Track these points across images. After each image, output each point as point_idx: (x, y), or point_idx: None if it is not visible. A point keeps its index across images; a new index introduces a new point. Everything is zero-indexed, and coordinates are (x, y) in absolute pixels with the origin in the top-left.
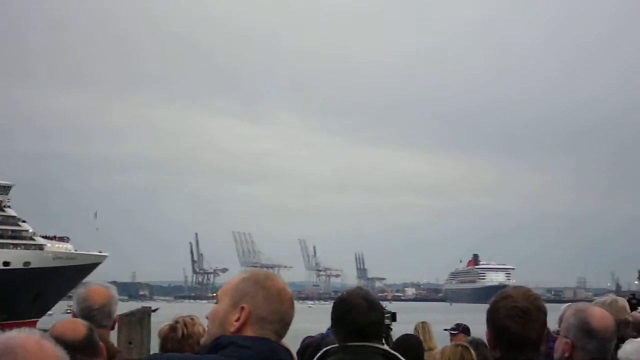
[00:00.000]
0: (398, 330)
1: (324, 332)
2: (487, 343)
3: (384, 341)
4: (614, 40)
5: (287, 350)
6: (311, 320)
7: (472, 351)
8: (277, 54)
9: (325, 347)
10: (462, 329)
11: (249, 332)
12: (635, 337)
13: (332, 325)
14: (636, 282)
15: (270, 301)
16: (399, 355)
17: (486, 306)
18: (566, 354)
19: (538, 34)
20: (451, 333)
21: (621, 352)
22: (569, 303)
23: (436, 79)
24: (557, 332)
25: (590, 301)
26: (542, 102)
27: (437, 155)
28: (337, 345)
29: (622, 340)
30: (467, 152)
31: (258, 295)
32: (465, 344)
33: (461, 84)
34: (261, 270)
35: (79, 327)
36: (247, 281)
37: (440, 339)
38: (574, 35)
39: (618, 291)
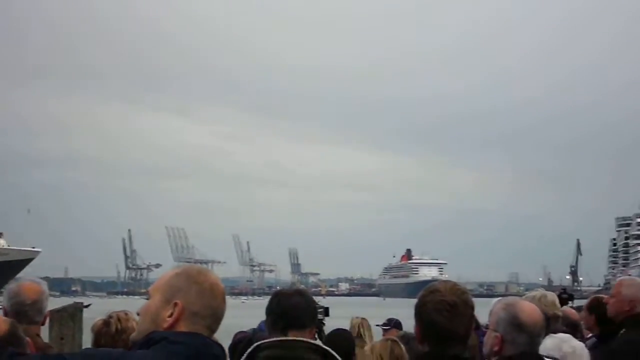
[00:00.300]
0: (331, 325)
1: (256, 327)
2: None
3: (316, 336)
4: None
5: (220, 346)
6: (244, 316)
7: (402, 345)
8: (213, 50)
9: (257, 342)
10: (394, 324)
11: (181, 327)
12: (564, 332)
13: (268, 319)
14: (567, 277)
15: (203, 296)
16: (331, 351)
17: None
18: (495, 348)
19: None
20: (383, 328)
21: (541, 347)
22: (499, 297)
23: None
24: (487, 327)
25: (521, 296)
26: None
27: (373, 152)
28: (269, 340)
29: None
30: (401, 148)
31: (191, 291)
32: (395, 338)
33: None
34: (194, 265)
35: (1, 324)
36: (180, 276)
37: (376, 336)
38: (511, 44)
39: (550, 286)
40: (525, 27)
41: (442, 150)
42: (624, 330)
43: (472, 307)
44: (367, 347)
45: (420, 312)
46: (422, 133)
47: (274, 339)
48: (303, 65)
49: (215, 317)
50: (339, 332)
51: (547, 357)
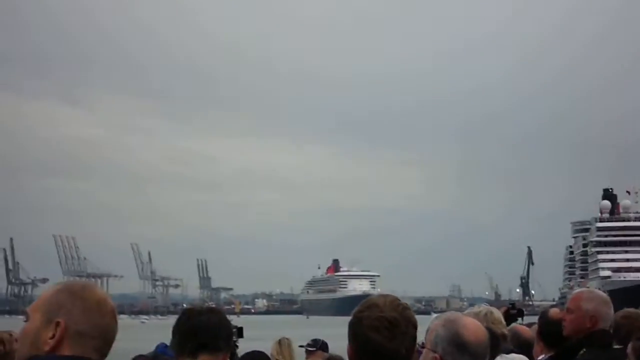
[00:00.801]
0: (245, 348)
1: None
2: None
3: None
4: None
5: None
6: (144, 339)
7: None
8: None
9: None
10: (320, 346)
11: (66, 350)
12: (512, 352)
13: (175, 339)
14: (517, 290)
15: (89, 314)
16: None
17: (348, 318)
18: None
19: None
20: (307, 350)
21: None
22: (437, 314)
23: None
24: (423, 345)
25: (463, 311)
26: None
27: (295, 147)
28: None
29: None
30: (330, 144)
31: (75, 308)
32: None
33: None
34: (77, 280)
35: None
36: (62, 293)
37: (299, 356)
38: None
39: (497, 300)
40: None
41: (378, 146)
42: (584, 350)
43: (414, 326)
44: None
45: (355, 330)
46: (357, 127)
47: None
48: (218, 48)
49: (105, 338)
50: (254, 355)
51: None
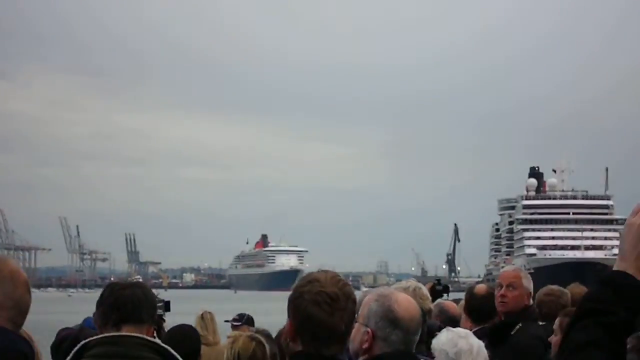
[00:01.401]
0: (173, 321)
1: (82, 323)
2: (279, 335)
3: (155, 334)
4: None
5: (26, 342)
6: (71, 311)
7: (267, 345)
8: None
9: (84, 339)
10: (245, 320)
11: None
12: (440, 327)
13: (98, 311)
14: (444, 267)
15: (3, 285)
16: (170, 349)
17: (275, 293)
18: (365, 345)
19: None
20: (233, 324)
21: (435, 342)
22: (365, 289)
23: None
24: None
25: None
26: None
27: (226, 123)
28: (98, 336)
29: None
30: (260, 121)
31: None
32: (260, 337)
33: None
34: None
35: None
36: None
37: (223, 332)
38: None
39: (424, 276)
40: None
41: (312, 125)
42: (520, 325)
43: (354, 301)
44: (227, 341)
45: (295, 305)
46: (291, 106)
47: (105, 334)
48: (149, 26)
49: (19, 308)
50: (181, 329)
51: (424, 357)
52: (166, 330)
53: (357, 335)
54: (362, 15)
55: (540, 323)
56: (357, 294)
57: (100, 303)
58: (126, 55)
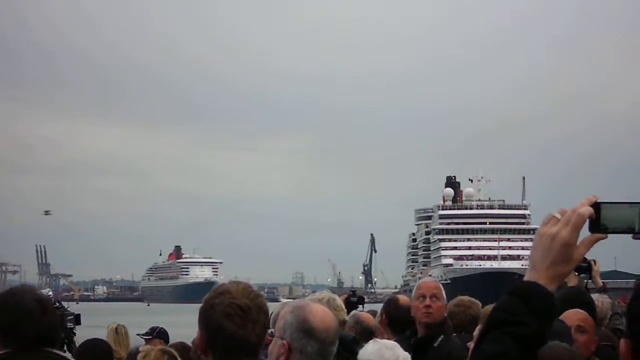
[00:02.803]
0: (83, 335)
1: None
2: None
3: (65, 348)
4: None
5: None
6: None
7: (179, 359)
8: None
9: None
10: (157, 333)
11: None
12: (354, 339)
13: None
14: (360, 278)
15: None
16: None
17: (189, 306)
18: (281, 358)
19: None
20: (144, 338)
21: (362, 353)
22: (285, 300)
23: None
24: (271, 334)
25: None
26: None
27: (138, 130)
28: (2, 352)
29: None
30: (172, 129)
31: None
32: (172, 350)
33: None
34: None
35: None
36: None
37: (137, 345)
38: None
39: (340, 288)
40: None
41: (223, 130)
42: (442, 337)
43: (266, 313)
44: (139, 356)
45: (206, 317)
46: (203, 113)
47: (7, 350)
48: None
49: None
50: (94, 342)
51: None
52: (77, 344)
53: (274, 348)
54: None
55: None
56: (275, 306)
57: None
58: (42, 62)
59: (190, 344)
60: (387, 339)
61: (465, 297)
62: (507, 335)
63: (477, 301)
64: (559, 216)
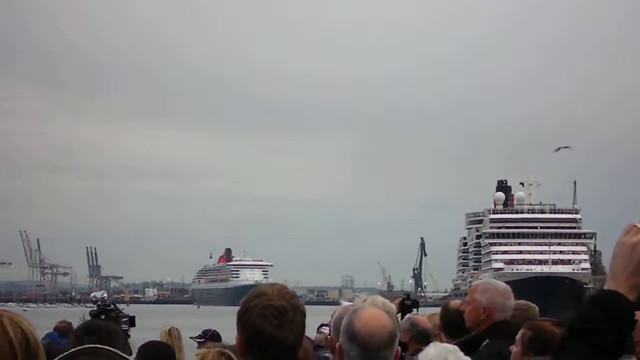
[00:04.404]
0: (137, 337)
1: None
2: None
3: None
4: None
5: None
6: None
7: None
8: None
9: (53, 353)
10: (209, 336)
11: None
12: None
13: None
14: (410, 282)
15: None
16: None
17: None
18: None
19: None
20: (197, 341)
21: (423, 356)
22: (346, 303)
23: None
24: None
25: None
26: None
27: (186, 134)
28: (79, 347)
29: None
30: (220, 130)
31: None
32: (229, 352)
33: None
34: None
35: None
36: None
37: (189, 348)
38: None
39: (390, 291)
40: None
41: (269, 135)
42: (487, 341)
43: (303, 314)
44: (196, 358)
45: (243, 319)
46: (246, 116)
47: (85, 346)
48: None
49: None
50: (155, 345)
51: None
52: (131, 346)
53: (334, 350)
54: (341, 25)
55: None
56: (333, 309)
57: None
58: (86, 67)
59: None
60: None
61: (522, 301)
62: (587, 344)
63: (533, 305)
64: None
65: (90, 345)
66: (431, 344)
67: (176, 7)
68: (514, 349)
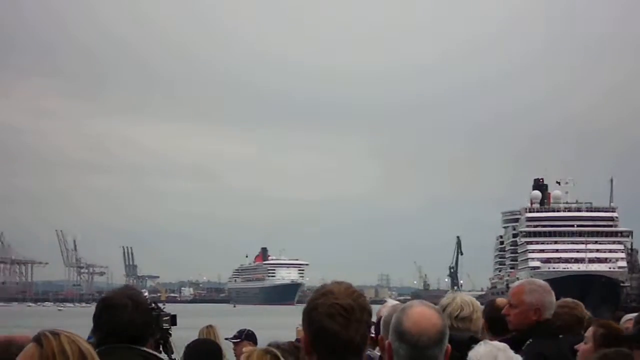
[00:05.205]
0: (179, 336)
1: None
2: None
3: (161, 348)
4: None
5: None
6: (68, 325)
7: (282, 359)
8: None
9: None
10: (245, 336)
11: None
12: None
13: (93, 327)
14: (446, 280)
15: None
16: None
17: (276, 307)
18: (386, 358)
19: None
20: (233, 342)
21: (472, 354)
22: (391, 301)
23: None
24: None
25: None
26: None
27: (222, 133)
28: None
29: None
30: (252, 130)
31: None
32: (274, 350)
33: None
34: None
35: None
36: None
37: (225, 348)
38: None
39: (426, 290)
40: None
41: (302, 132)
42: (530, 340)
43: (369, 313)
44: (242, 356)
45: (309, 318)
46: (276, 116)
47: (101, 347)
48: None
49: None
50: (204, 343)
51: None
52: (173, 345)
53: (384, 347)
54: (355, 20)
55: (560, 336)
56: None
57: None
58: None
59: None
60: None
61: (569, 299)
62: None
63: (580, 302)
64: None
65: (113, 345)
66: (481, 342)
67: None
68: (583, 346)
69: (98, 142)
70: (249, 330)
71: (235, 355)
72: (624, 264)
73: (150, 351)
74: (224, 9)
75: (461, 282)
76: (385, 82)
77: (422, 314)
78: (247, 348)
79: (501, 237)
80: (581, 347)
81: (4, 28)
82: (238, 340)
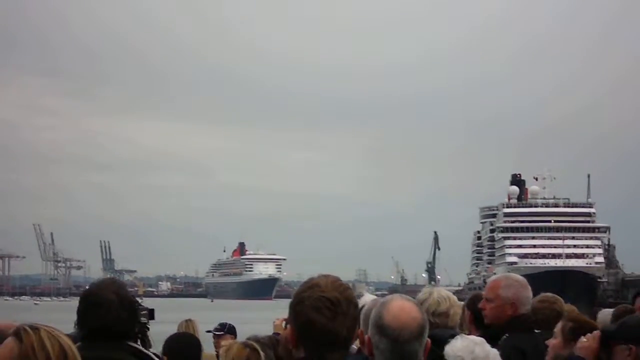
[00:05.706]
0: (157, 330)
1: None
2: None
3: (139, 342)
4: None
5: None
6: (43, 320)
7: (262, 353)
8: None
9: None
10: (227, 329)
11: None
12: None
13: (77, 323)
14: (423, 275)
15: None
16: (153, 355)
17: (253, 302)
18: (366, 352)
19: None
20: (215, 334)
21: (449, 348)
22: (368, 295)
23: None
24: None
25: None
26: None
27: (205, 127)
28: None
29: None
30: (237, 125)
31: None
32: (254, 344)
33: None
34: None
35: None
36: None
37: (204, 341)
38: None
39: (403, 285)
40: None
41: (285, 126)
42: (506, 335)
43: (356, 306)
44: (221, 350)
45: (296, 311)
46: (263, 110)
47: (86, 341)
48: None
49: None
50: (183, 336)
51: None
52: (151, 339)
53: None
54: (355, 17)
55: (537, 331)
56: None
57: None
58: (134, 63)
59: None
60: (470, 334)
61: (549, 294)
62: None
63: (560, 297)
64: None
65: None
66: (457, 336)
67: None
68: (553, 341)
69: (79, 137)
70: (230, 324)
71: (215, 348)
72: (601, 259)
73: (135, 345)
74: (224, 9)
75: (438, 277)
76: (385, 78)
77: (402, 307)
78: (226, 341)
79: (479, 232)
80: (551, 342)
81: (5, 26)
82: (221, 333)
